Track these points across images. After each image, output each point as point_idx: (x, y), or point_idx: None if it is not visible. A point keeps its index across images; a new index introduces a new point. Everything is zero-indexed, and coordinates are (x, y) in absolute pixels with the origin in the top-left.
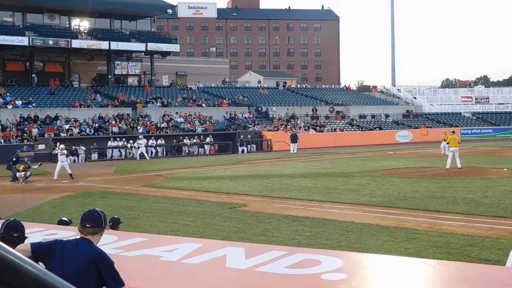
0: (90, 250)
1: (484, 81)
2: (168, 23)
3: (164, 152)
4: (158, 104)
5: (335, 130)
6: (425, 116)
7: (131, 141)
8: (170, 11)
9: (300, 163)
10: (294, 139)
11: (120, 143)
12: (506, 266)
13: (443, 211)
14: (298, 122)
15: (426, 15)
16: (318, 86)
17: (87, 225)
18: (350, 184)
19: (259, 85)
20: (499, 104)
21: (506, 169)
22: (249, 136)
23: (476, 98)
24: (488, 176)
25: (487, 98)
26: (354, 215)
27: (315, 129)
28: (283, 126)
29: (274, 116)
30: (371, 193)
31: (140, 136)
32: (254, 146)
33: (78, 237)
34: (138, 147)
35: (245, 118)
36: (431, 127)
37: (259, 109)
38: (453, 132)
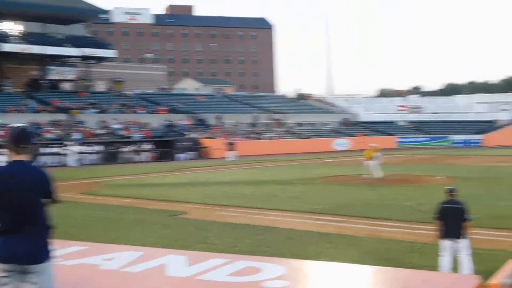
0: (37, 168)
1: (417, 91)
2: (103, 28)
3: (101, 159)
4: (94, 110)
5: (273, 138)
6: (362, 125)
7: (65, 148)
8: (104, 15)
9: (240, 171)
10: (231, 146)
11: (54, 150)
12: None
13: (382, 218)
14: (237, 130)
15: (361, 26)
16: (255, 94)
17: (22, 145)
18: (291, 192)
19: (196, 92)
20: (433, 113)
21: (441, 177)
22: (187, 143)
23: (411, 107)
24: (424, 183)
25: (421, 107)
26: (295, 222)
27: (254, 137)
28: (222, 133)
29: (229, 124)
30: (312, 200)
31: (70, 143)
32: (193, 153)
33: (12, 160)
34: (69, 154)
35: (183, 125)
36: (368, 136)
37: (197, 116)
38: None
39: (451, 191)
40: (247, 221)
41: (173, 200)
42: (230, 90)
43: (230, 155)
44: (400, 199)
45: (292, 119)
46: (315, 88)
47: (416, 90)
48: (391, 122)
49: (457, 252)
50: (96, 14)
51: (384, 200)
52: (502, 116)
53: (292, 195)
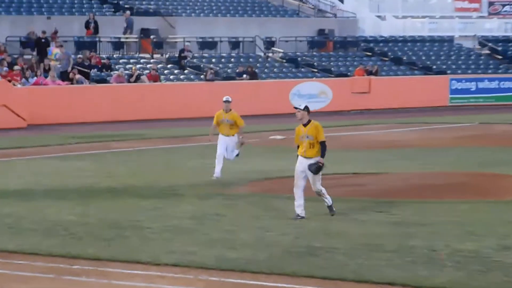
0: None
1: None
2: None
3: None
4: None
5: (138, 79)
6: (366, 47)
7: None
8: None
9: (48, 162)
10: None
11: None
12: None
13: (400, 282)
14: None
15: None
16: None
17: None
18: (171, 217)
19: None
20: None
21: None
22: None
23: (490, 4)
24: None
25: None
26: None
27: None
28: None
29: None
30: (222, 238)
31: None
32: None
33: None
34: None
35: None
36: (377, 74)
37: None
38: (301, 109)
39: None
40: None
41: None
42: None
43: None
44: (449, 234)
45: (189, 28)
46: None
47: None
48: (440, 40)
49: None
50: None
51: (409, 237)
52: None
53: (172, 225)
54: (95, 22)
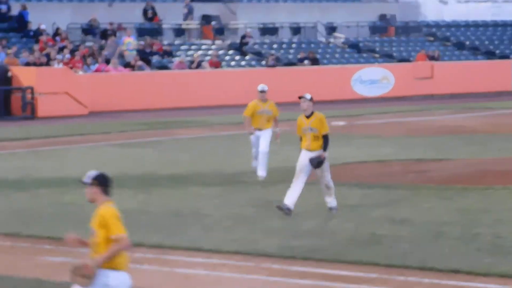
0: None
1: None
2: None
3: None
4: None
5: (200, 64)
6: (428, 32)
7: None
8: None
9: (111, 150)
10: None
11: None
12: None
13: (472, 271)
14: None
15: None
16: None
17: None
18: (238, 206)
19: None
20: None
21: None
22: None
23: None
24: None
25: None
26: (239, 280)
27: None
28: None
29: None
30: (287, 226)
31: None
32: None
33: None
34: None
35: None
36: (438, 59)
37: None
38: (308, 99)
39: None
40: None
41: None
42: None
43: None
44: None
45: (250, 14)
46: None
47: None
48: (504, 25)
49: None
50: None
51: (470, 225)
52: None
53: (234, 213)
54: (153, 9)
